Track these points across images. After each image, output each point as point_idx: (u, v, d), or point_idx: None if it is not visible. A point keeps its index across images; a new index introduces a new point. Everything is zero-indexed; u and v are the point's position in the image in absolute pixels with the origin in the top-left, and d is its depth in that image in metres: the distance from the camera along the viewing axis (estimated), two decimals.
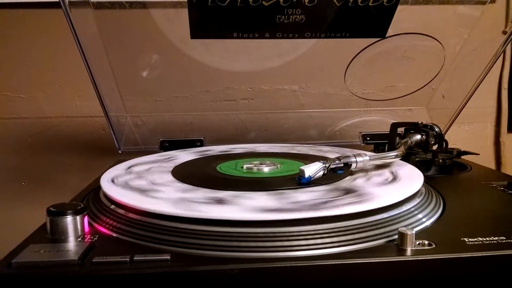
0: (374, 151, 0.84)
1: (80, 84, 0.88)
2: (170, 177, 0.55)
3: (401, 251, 0.38)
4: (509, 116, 1.01)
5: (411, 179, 0.52)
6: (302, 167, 0.49)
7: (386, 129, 0.76)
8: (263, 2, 0.63)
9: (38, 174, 0.93)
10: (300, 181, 0.49)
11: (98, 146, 0.92)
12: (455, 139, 0.99)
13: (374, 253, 0.37)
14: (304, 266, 0.36)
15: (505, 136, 1.01)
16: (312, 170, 0.48)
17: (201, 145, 0.81)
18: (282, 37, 0.69)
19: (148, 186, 0.50)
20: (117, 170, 0.59)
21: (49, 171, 0.93)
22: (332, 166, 0.50)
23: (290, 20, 0.66)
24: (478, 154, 0.72)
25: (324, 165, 0.49)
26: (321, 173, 0.49)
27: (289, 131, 0.89)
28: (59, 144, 0.92)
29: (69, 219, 0.41)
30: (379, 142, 0.84)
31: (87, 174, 0.91)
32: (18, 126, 0.91)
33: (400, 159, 0.60)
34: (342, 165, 0.51)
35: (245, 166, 0.59)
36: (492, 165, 1.03)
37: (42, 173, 0.93)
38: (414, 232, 0.38)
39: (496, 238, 0.40)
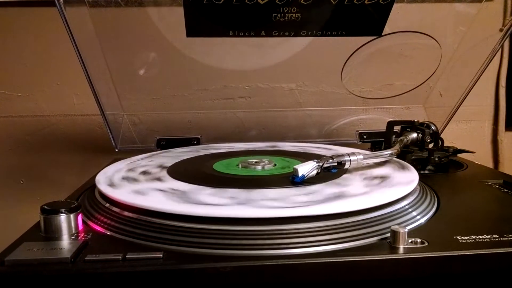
0: (371, 149, 0.84)
1: (78, 82, 0.88)
2: (165, 175, 0.55)
3: (394, 249, 0.38)
4: (506, 114, 1.01)
5: (406, 177, 0.52)
6: (296, 166, 0.49)
7: (383, 128, 0.76)
8: (259, 1, 0.63)
9: (36, 172, 0.93)
10: (294, 180, 0.49)
11: (95, 144, 0.93)
12: (453, 137, 0.99)
13: (367, 251, 0.37)
14: (296, 264, 0.36)
15: (502, 134, 1.01)
16: (305, 169, 0.49)
17: (198, 144, 0.81)
18: (278, 36, 0.69)
19: (143, 184, 0.50)
20: (115, 168, 0.59)
21: (47, 169, 0.93)
22: (326, 165, 0.50)
23: (286, 18, 0.66)
24: (474, 152, 0.72)
25: (318, 164, 0.49)
26: (314, 172, 0.49)
27: (287, 129, 0.89)
28: (57, 142, 0.93)
29: (62, 217, 0.41)
30: (376, 141, 0.84)
31: (84, 172, 0.91)
32: (15, 125, 0.91)
33: (395, 157, 0.60)
34: (336, 164, 0.51)
35: (240, 165, 0.59)
36: (489, 163, 1.03)
37: (40, 171, 0.93)
38: (406, 230, 0.38)
39: (489, 236, 0.40)
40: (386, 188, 0.47)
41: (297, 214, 0.40)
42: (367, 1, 0.65)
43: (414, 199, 0.48)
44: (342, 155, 0.52)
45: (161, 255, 0.36)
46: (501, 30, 0.75)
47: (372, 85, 0.86)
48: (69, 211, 0.41)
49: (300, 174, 0.48)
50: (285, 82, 0.86)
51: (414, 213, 0.45)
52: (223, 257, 0.36)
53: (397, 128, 0.74)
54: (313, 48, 0.75)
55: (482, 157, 1.01)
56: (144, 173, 0.56)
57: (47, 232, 0.41)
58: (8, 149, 0.92)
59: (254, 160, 0.60)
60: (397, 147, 0.60)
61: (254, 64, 0.80)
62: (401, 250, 0.37)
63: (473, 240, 0.39)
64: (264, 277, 0.36)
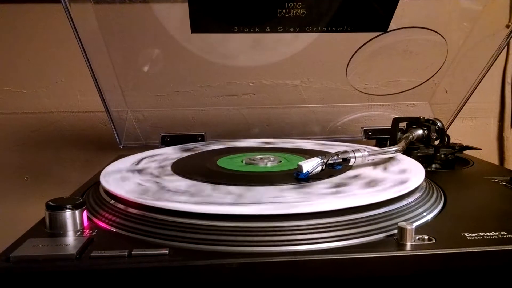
0: (376, 146, 0.83)
1: (82, 79, 0.88)
2: (169, 172, 0.55)
3: (401, 246, 0.37)
4: None
5: (412, 174, 0.52)
6: (300, 163, 0.49)
7: (388, 124, 0.76)
8: None
9: (40, 169, 0.93)
10: (298, 176, 0.49)
11: (99, 141, 0.93)
12: (458, 134, 0.98)
13: (374, 247, 0.37)
14: (303, 260, 0.36)
15: (508, 131, 1.01)
16: (310, 165, 0.48)
17: (202, 140, 0.81)
18: (283, 32, 0.68)
19: (147, 181, 0.50)
20: (119, 164, 0.59)
21: (51, 166, 0.93)
22: (330, 162, 0.50)
23: (291, 14, 0.66)
24: (481, 149, 0.72)
25: (322, 161, 0.49)
26: (319, 168, 0.49)
27: (291, 126, 0.89)
28: (61, 139, 0.93)
29: (68, 213, 0.41)
30: (381, 137, 0.83)
31: (88, 169, 0.91)
32: (20, 121, 0.91)
33: (401, 154, 0.60)
34: (341, 160, 0.51)
35: (245, 161, 0.59)
36: (495, 160, 1.02)
37: (44, 168, 0.93)
38: (413, 226, 0.38)
39: (497, 233, 0.39)
40: (392, 184, 0.47)
41: (303, 211, 0.40)
42: None
43: (421, 195, 0.48)
44: (347, 152, 0.52)
45: (167, 252, 0.36)
46: (507, 26, 0.74)
47: (377, 82, 0.86)
48: (74, 207, 0.41)
49: (304, 171, 0.48)
50: (289, 79, 0.86)
51: (421, 210, 0.45)
52: (229, 254, 0.36)
53: (402, 124, 0.74)
54: (318, 44, 0.74)
55: (487, 154, 1.00)
56: (149, 169, 0.56)
57: (52, 229, 0.41)
58: (12, 146, 0.92)
59: (258, 157, 0.60)
60: (402, 144, 0.60)
61: (259, 61, 0.80)
62: (408, 247, 0.37)
63: (481, 237, 0.39)
64: (271, 274, 0.36)
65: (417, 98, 0.87)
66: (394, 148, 0.58)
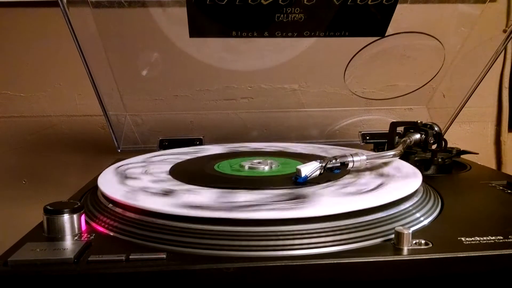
0: (373, 150, 0.84)
1: (80, 83, 0.89)
2: (167, 176, 0.55)
3: (398, 250, 0.37)
4: (509, 115, 1.00)
5: (409, 178, 0.52)
6: (298, 167, 0.49)
7: (386, 128, 0.76)
8: (262, 1, 0.63)
9: (38, 172, 0.93)
10: (296, 180, 0.49)
11: (98, 145, 0.93)
12: (455, 139, 0.98)
13: (371, 252, 0.37)
14: (300, 265, 0.36)
15: (505, 135, 1.01)
16: (308, 169, 0.48)
17: (201, 144, 0.81)
18: (281, 36, 0.69)
19: (144, 185, 0.50)
20: (117, 168, 0.59)
21: (49, 170, 0.93)
22: (328, 166, 0.50)
23: (289, 19, 0.66)
24: (478, 154, 0.72)
25: (320, 165, 0.49)
26: (317, 172, 0.49)
27: (289, 130, 0.89)
28: (59, 143, 0.93)
29: (66, 217, 0.41)
30: (379, 142, 0.84)
31: (86, 173, 0.90)
32: (18, 125, 0.92)
33: (399, 158, 0.60)
34: (339, 164, 0.51)
35: (242, 165, 0.59)
36: (492, 164, 1.03)
37: (42, 172, 0.93)
38: (410, 231, 0.38)
39: (493, 237, 0.40)
40: (389, 189, 0.47)
41: (300, 216, 0.40)
42: (370, 2, 0.65)
43: (418, 200, 0.48)
44: (345, 156, 0.52)
45: (165, 256, 0.36)
46: (504, 31, 0.75)
47: (375, 86, 0.86)
48: (72, 211, 0.41)
49: (303, 175, 0.48)
50: (287, 83, 0.86)
51: (418, 215, 0.45)
52: (227, 258, 0.36)
53: (400, 129, 0.74)
54: (316, 49, 0.74)
55: (485, 158, 1.01)
56: (147, 173, 0.56)
57: (50, 233, 0.41)
58: (10, 150, 0.92)
59: (256, 161, 0.60)
60: (400, 148, 0.60)
61: (257, 65, 0.80)
62: (405, 252, 0.37)
63: (477, 242, 0.39)
64: (268, 278, 0.36)
65: (414, 102, 0.87)
66: (391, 153, 0.58)
